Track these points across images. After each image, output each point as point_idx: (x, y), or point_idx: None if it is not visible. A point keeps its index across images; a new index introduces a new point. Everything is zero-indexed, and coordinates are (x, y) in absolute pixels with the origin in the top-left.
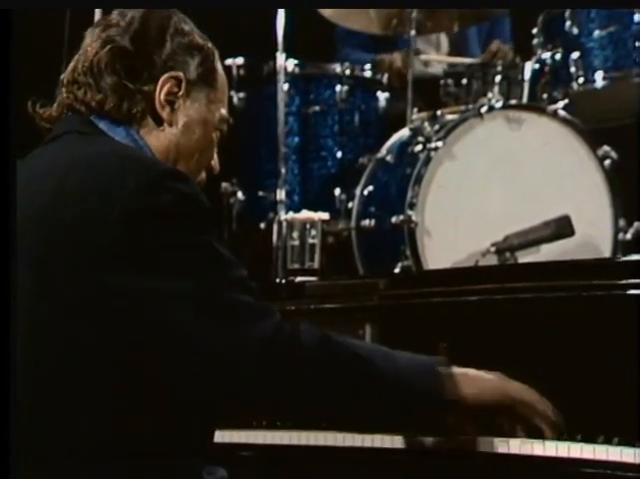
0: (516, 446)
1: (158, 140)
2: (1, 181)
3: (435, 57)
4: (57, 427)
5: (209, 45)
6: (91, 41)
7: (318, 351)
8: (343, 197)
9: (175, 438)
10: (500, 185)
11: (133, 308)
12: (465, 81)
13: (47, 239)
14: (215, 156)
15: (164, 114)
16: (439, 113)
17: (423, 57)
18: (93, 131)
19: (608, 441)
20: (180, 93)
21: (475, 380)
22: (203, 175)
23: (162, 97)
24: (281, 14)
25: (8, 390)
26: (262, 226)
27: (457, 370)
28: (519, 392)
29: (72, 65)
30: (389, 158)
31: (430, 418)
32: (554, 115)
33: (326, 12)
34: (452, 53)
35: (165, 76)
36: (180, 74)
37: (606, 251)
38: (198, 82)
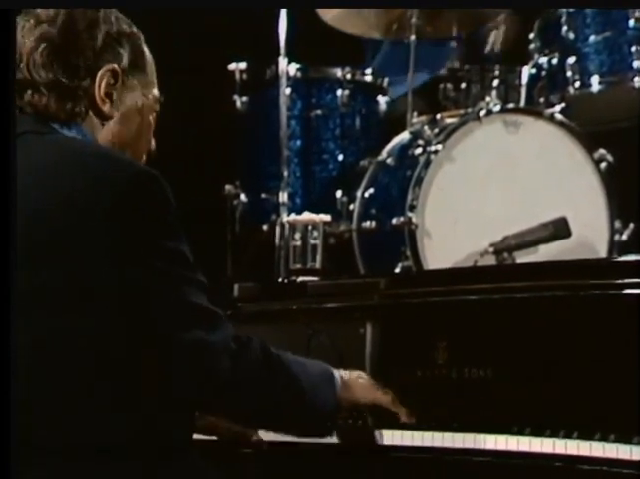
0: (514, 443)
1: (101, 133)
2: (1, 182)
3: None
4: (53, 425)
5: (135, 30)
6: (23, 39)
7: (259, 364)
8: (344, 198)
9: (173, 435)
10: (499, 187)
11: (115, 303)
12: (463, 85)
13: (33, 239)
14: (151, 136)
15: (105, 108)
16: (438, 116)
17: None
18: (47, 129)
19: (605, 438)
20: (117, 84)
21: (351, 382)
22: (144, 157)
23: (102, 91)
24: (283, 19)
25: (8, 390)
26: (265, 227)
27: (343, 376)
28: (377, 391)
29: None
30: (389, 160)
31: (327, 418)
32: (551, 118)
33: (327, 17)
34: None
35: (102, 70)
36: (115, 66)
37: (602, 252)
38: (131, 69)
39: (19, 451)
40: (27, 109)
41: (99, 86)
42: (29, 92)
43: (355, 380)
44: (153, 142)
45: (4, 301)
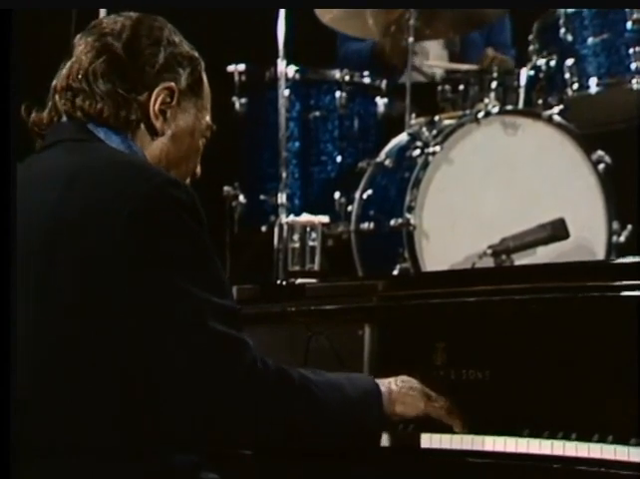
0: (512, 444)
1: (150, 148)
2: (1, 183)
3: (436, 63)
4: (56, 425)
5: (196, 55)
6: (85, 49)
7: (292, 394)
8: (343, 200)
9: (172, 437)
10: (497, 188)
11: (131, 313)
12: (462, 87)
13: (52, 245)
14: (198, 161)
15: (158, 124)
16: (436, 118)
17: (426, 63)
18: (88, 137)
19: (603, 440)
20: (173, 103)
21: (401, 396)
22: (188, 180)
23: (157, 107)
24: (282, 21)
25: (8, 388)
26: (264, 228)
27: (387, 388)
28: (430, 401)
29: (64, 72)
30: (388, 162)
31: (373, 436)
32: (549, 120)
33: (325, 18)
34: (453, 60)
35: (160, 87)
36: (173, 85)
37: (600, 254)
38: (188, 92)
39: (19, 452)
40: (77, 113)
41: (155, 101)
42: (84, 99)
43: (405, 393)
44: (199, 168)
45: (4, 298)
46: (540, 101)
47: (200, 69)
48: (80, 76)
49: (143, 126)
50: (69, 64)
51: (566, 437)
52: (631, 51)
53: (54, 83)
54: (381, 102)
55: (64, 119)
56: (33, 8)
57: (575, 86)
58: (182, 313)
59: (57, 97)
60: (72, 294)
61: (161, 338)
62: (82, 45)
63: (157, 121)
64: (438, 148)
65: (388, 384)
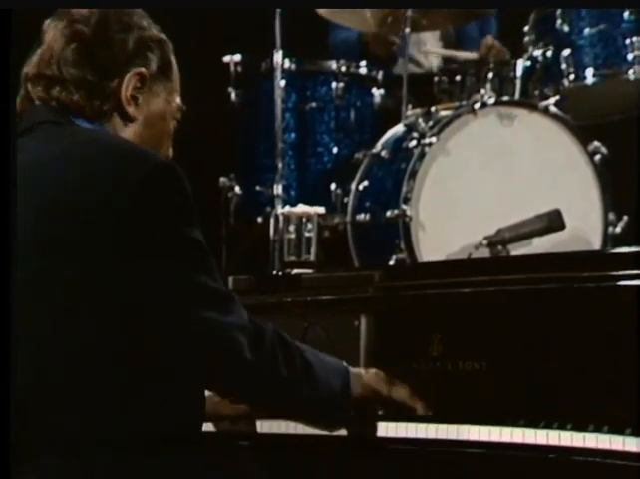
0: (508, 434)
1: (125, 134)
2: (2, 183)
3: (433, 50)
4: (56, 417)
5: (165, 37)
6: (54, 35)
7: (275, 347)
8: (339, 191)
9: (176, 429)
10: (493, 179)
11: (130, 292)
12: (458, 78)
13: (46, 234)
14: (171, 143)
15: (130, 109)
16: (433, 109)
17: (423, 49)
18: (67, 122)
19: (598, 430)
20: (144, 88)
21: (367, 379)
22: None
23: (129, 93)
24: (278, 11)
25: (8, 381)
26: (259, 219)
27: (357, 372)
28: (393, 386)
29: (35, 59)
30: (384, 153)
31: (339, 412)
32: (546, 111)
33: (322, 9)
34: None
35: (131, 72)
36: (144, 70)
37: (596, 244)
38: (158, 76)
39: (20, 445)
40: (52, 103)
41: (126, 87)
42: (57, 88)
43: (370, 376)
44: (171, 150)
45: (4, 292)
46: (537, 92)
47: (169, 51)
48: (51, 63)
49: (116, 113)
50: (39, 51)
51: (562, 427)
52: (628, 41)
53: (24, 70)
54: (377, 93)
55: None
56: (33, 8)
57: (572, 77)
58: (181, 298)
59: (29, 85)
60: (69, 282)
61: (160, 323)
62: (51, 31)
63: (129, 107)
64: (434, 138)
65: (356, 370)
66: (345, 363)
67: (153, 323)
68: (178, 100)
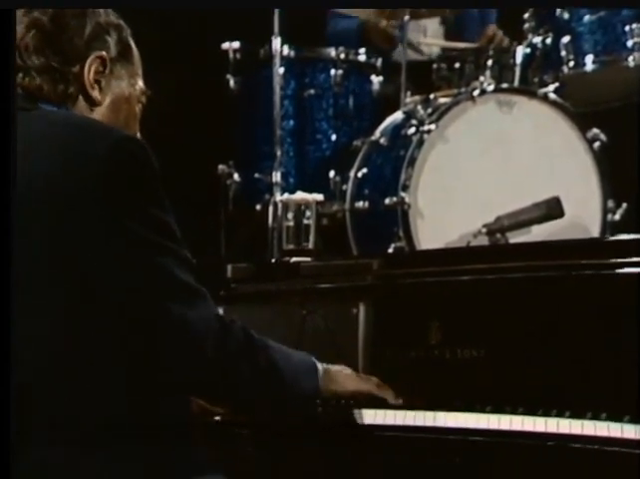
0: (507, 422)
1: None
2: (2, 183)
3: (434, 41)
4: (44, 407)
5: (122, 22)
6: (15, 25)
7: (241, 345)
8: (337, 179)
9: (165, 416)
10: (492, 167)
11: (100, 274)
12: (457, 65)
13: (22, 216)
14: (137, 127)
15: (95, 93)
16: (432, 96)
17: (422, 40)
18: (33, 107)
19: (596, 417)
20: (106, 72)
21: (335, 375)
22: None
23: (92, 77)
24: None
25: (8, 371)
26: (258, 207)
27: (326, 368)
28: (361, 379)
29: None
30: (382, 140)
31: (308, 408)
32: (545, 98)
33: None
34: (449, 37)
35: (92, 56)
36: (104, 53)
37: (595, 232)
38: (119, 59)
39: (19, 433)
40: (17, 91)
41: (88, 71)
42: (20, 75)
43: (338, 371)
44: (138, 133)
45: (4, 285)
46: (536, 79)
47: (127, 35)
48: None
49: (81, 97)
50: None
51: (560, 415)
52: (627, 28)
53: None
54: (376, 80)
55: None
56: (33, 8)
57: (571, 64)
58: (155, 265)
59: None
60: (48, 265)
61: (127, 311)
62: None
63: (93, 91)
64: (433, 126)
65: (320, 363)
66: (314, 358)
67: (127, 311)
68: (141, 83)
